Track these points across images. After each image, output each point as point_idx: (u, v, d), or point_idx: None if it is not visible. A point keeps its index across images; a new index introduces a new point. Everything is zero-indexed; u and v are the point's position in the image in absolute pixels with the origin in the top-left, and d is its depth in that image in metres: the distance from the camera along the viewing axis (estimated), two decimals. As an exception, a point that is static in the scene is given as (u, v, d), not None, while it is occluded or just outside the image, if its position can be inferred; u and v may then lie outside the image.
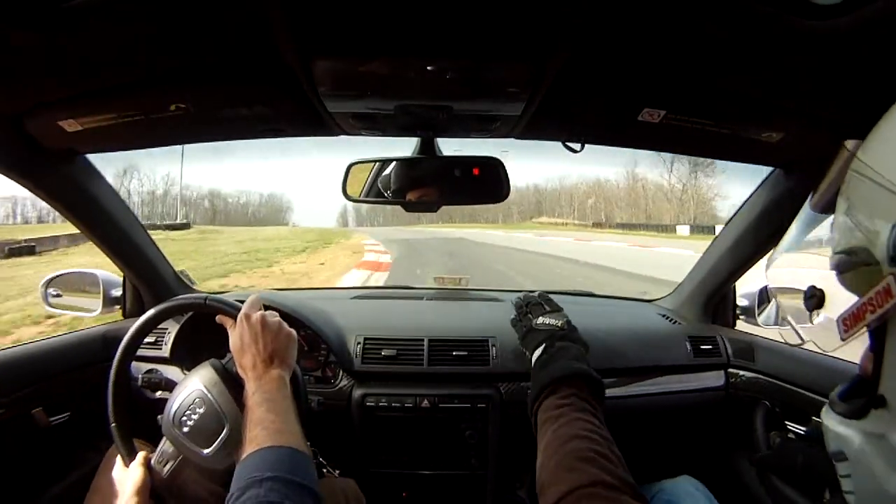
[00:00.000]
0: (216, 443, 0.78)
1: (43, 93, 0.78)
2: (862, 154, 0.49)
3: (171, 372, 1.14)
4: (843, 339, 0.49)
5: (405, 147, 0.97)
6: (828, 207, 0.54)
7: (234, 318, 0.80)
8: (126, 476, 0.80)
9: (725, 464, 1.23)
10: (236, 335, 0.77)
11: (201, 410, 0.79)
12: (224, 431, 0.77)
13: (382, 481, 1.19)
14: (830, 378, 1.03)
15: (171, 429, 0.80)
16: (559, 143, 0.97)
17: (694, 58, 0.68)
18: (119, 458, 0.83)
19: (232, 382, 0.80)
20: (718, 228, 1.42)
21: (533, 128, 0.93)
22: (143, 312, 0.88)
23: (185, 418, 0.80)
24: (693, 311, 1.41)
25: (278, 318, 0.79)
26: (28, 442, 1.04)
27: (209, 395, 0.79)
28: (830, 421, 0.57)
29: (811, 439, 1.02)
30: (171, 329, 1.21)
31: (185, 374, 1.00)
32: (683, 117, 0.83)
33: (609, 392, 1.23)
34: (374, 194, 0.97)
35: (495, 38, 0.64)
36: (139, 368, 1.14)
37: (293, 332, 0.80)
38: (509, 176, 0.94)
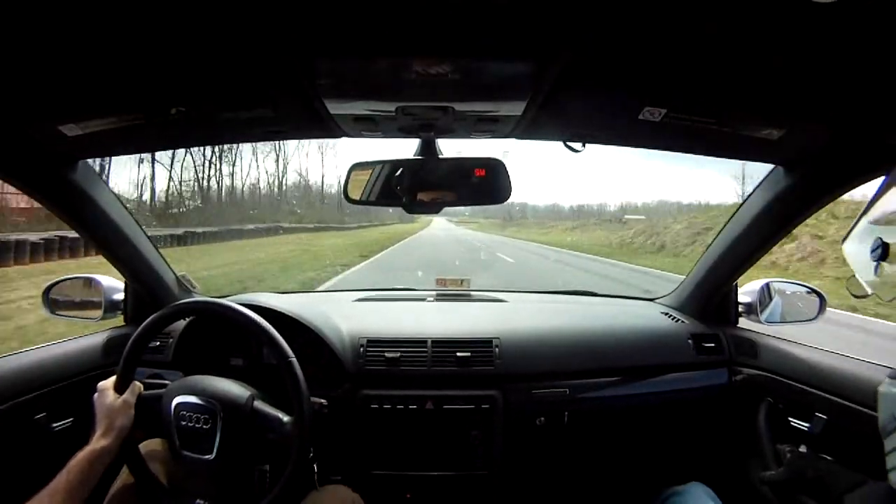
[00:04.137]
0: (192, 454, 0.80)
1: (44, 97, 0.78)
2: None
3: (173, 377, 1.13)
4: None
5: (406, 148, 0.90)
6: None
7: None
8: (115, 404, 0.83)
9: (735, 469, 1.23)
10: None
11: (201, 423, 0.80)
12: (207, 456, 0.79)
13: (386, 483, 1.19)
14: (833, 374, 1.03)
15: (169, 412, 0.81)
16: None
17: (694, 56, 0.69)
18: (109, 389, 0.85)
19: (252, 424, 0.80)
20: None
21: (534, 128, 0.93)
22: (145, 318, 0.88)
23: (184, 413, 0.80)
24: (695, 309, 1.41)
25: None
26: (31, 447, 1.03)
27: (218, 421, 0.80)
28: (888, 389, 0.58)
29: (816, 440, 1.02)
30: (175, 333, 1.20)
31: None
32: (684, 116, 0.83)
33: (612, 391, 1.25)
34: (376, 196, 0.97)
35: (496, 38, 0.64)
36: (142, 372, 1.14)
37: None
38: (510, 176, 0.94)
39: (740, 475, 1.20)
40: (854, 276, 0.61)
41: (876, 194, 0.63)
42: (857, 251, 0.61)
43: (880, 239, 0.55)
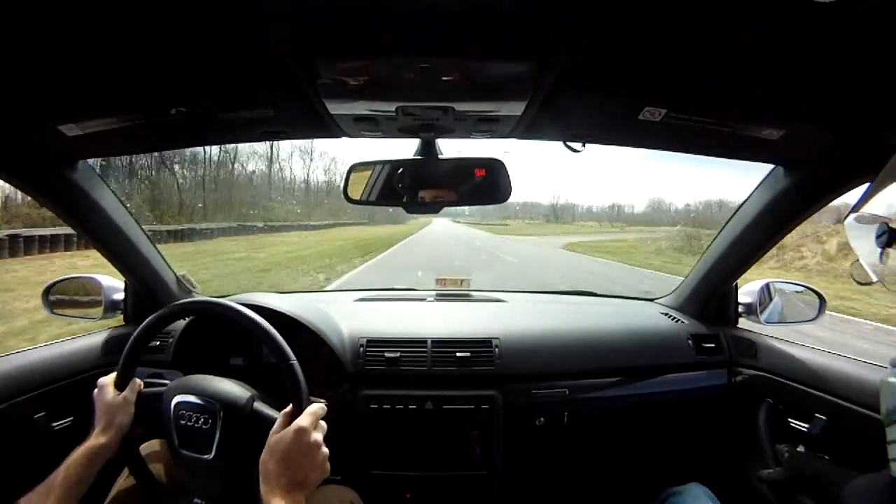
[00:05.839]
0: (191, 453, 0.80)
1: (43, 97, 0.78)
2: None
3: (173, 377, 1.13)
4: None
5: (407, 149, 0.90)
6: None
7: (299, 405, 0.76)
8: (115, 401, 0.82)
9: (734, 470, 1.23)
10: (284, 440, 0.71)
11: (201, 423, 0.80)
12: (206, 456, 0.79)
13: (386, 483, 1.19)
14: (833, 375, 1.03)
15: (168, 411, 0.81)
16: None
17: (694, 56, 0.69)
18: (109, 385, 0.84)
19: (251, 425, 0.80)
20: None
21: (534, 128, 0.93)
22: (145, 317, 0.88)
23: (183, 412, 0.80)
24: (695, 310, 1.41)
25: (323, 446, 0.74)
26: (31, 447, 1.03)
27: (218, 421, 0.79)
28: (891, 379, 0.56)
29: (815, 441, 1.02)
30: (175, 333, 1.20)
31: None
32: (684, 116, 0.83)
33: (612, 392, 1.25)
34: (376, 196, 0.97)
35: (496, 38, 0.64)
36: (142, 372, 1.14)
37: (328, 464, 0.75)
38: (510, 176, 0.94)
39: (740, 476, 1.20)
40: (858, 261, 0.56)
41: (869, 190, 0.59)
42: (861, 234, 0.56)
43: (886, 224, 0.51)
